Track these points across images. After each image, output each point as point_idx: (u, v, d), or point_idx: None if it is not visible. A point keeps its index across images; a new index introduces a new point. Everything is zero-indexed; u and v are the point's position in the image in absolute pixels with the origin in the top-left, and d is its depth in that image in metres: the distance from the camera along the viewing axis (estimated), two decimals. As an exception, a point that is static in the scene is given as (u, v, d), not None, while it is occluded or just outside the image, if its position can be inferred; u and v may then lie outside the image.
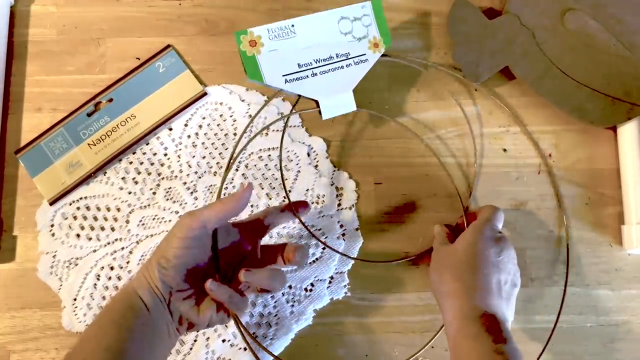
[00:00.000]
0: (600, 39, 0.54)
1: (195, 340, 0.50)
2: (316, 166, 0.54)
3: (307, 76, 0.48)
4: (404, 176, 0.54)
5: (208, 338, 0.50)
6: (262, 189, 0.54)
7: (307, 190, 0.54)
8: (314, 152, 0.55)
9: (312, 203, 0.53)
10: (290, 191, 0.54)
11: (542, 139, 0.55)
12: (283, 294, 0.52)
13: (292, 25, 0.47)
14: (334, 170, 0.54)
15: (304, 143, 0.55)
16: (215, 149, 0.54)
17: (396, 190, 0.54)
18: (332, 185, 0.54)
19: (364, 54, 0.50)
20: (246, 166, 0.54)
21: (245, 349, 0.50)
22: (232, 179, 0.54)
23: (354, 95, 0.50)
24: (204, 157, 0.54)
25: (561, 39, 0.54)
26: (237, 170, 0.54)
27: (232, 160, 0.49)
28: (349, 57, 0.49)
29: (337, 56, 0.49)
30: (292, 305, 0.51)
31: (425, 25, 0.58)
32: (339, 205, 0.54)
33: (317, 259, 0.52)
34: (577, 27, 0.54)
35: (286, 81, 0.48)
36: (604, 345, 0.51)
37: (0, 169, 0.54)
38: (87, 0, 0.58)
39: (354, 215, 0.53)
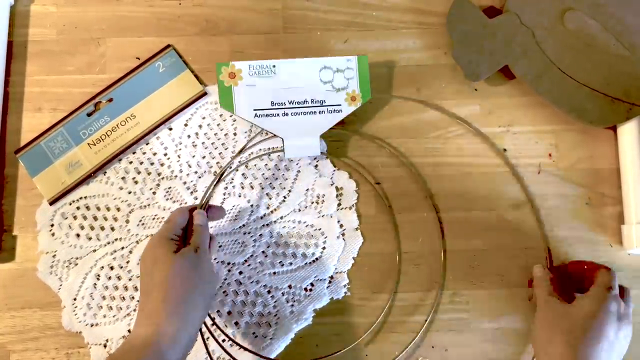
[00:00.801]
0: (600, 39, 0.54)
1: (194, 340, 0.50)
2: (316, 166, 0.54)
3: (278, 114, 0.50)
4: (404, 176, 0.54)
5: (208, 338, 0.50)
6: (262, 188, 0.54)
7: (307, 190, 0.54)
8: (314, 152, 0.55)
9: (312, 203, 0.53)
10: (290, 191, 0.54)
11: (542, 139, 0.55)
12: (283, 294, 0.52)
13: (274, 66, 0.50)
14: (334, 170, 0.54)
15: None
16: (215, 148, 0.54)
17: (396, 190, 0.54)
18: (332, 185, 0.54)
19: (339, 105, 0.51)
20: (246, 166, 0.54)
21: (245, 349, 0.50)
22: (232, 179, 0.54)
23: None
24: (204, 157, 0.54)
25: (561, 39, 0.54)
26: (237, 170, 0.54)
27: (220, 177, 0.51)
28: (324, 104, 0.51)
29: (312, 101, 0.50)
30: (292, 305, 0.51)
31: (425, 24, 0.58)
32: (339, 205, 0.54)
33: (317, 258, 0.52)
34: (576, 26, 0.54)
35: (256, 115, 0.50)
36: (604, 345, 0.51)
37: (0, 169, 0.54)
38: (87, 0, 0.58)
39: (354, 215, 0.53)
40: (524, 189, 0.54)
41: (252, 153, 0.54)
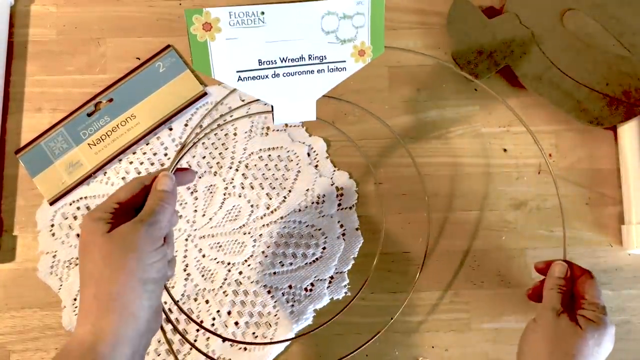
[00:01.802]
0: (600, 39, 0.54)
1: (195, 340, 0.50)
2: (316, 166, 0.54)
3: (267, 76, 0.39)
4: (404, 176, 0.54)
5: (208, 338, 0.50)
6: (263, 188, 0.54)
7: (307, 190, 0.54)
8: (314, 152, 0.55)
9: (312, 203, 0.53)
10: (290, 191, 0.54)
11: (542, 139, 0.55)
12: (283, 294, 0.52)
13: (262, 13, 0.37)
14: (334, 170, 0.54)
15: (304, 143, 0.55)
16: (215, 148, 0.54)
17: (396, 190, 0.54)
18: (332, 185, 0.54)
19: (344, 61, 0.41)
20: (246, 166, 0.54)
21: (245, 348, 0.50)
22: (232, 179, 0.54)
23: (355, 95, 0.50)
24: (204, 157, 0.54)
25: (561, 39, 0.54)
26: (237, 170, 0.54)
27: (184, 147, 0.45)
28: (324, 61, 0.40)
29: (309, 57, 0.40)
30: (292, 305, 0.51)
31: (425, 24, 0.58)
32: (339, 205, 0.54)
33: (317, 259, 0.52)
34: (576, 26, 0.54)
35: (239, 79, 0.39)
36: (604, 345, 0.51)
37: (0, 169, 0.54)
38: (87, 0, 0.58)
39: (354, 215, 0.53)
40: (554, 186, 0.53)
41: (232, 115, 0.51)
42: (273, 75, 0.39)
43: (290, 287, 0.52)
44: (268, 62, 0.39)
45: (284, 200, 0.53)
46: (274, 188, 0.54)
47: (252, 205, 0.53)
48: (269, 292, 0.52)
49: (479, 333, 0.51)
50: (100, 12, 0.57)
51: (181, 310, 0.49)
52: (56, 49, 0.57)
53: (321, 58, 0.40)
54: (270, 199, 0.53)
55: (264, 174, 0.54)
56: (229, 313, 0.51)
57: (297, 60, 0.40)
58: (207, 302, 0.51)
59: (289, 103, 0.41)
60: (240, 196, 0.53)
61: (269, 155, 0.54)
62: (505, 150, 0.55)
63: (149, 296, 0.35)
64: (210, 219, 0.53)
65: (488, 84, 0.56)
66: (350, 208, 0.54)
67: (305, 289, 0.52)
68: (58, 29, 0.57)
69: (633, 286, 0.53)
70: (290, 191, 0.54)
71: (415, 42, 0.57)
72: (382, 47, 0.41)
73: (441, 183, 0.54)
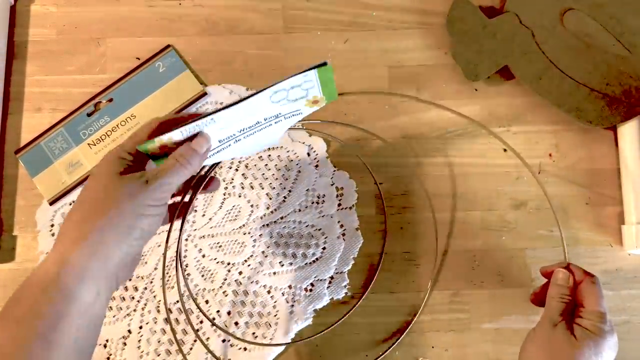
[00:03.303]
0: (600, 39, 0.54)
1: (195, 340, 0.50)
2: (316, 166, 0.54)
3: (229, 145, 0.40)
4: (404, 176, 0.54)
5: (208, 338, 0.50)
6: (262, 188, 0.54)
7: (307, 190, 0.54)
8: (314, 152, 0.55)
9: (312, 203, 0.53)
10: (290, 191, 0.54)
11: (542, 139, 0.55)
12: (283, 294, 0.51)
13: (212, 120, 0.37)
14: (334, 170, 0.54)
15: (304, 143, 0.55)
16: (215, 148, 0.54)
17: (396, 190, 0.54)
18: (332, 185, 0.54)
19: (298, 110, 0.40)
20: (246, 166, 0.54)
21: (245, 348, 0.50)
22: (232, 179, 0.54)
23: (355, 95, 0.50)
24: (204, 157, 0.54)
25: (561, 39, 0.54)
26: (237, 170, 0.54)
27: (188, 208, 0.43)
28: (279, 116, 0.40)
29: (265, 120, 0.40)
30: (292, 305, 0.51)
31: (425, 24, 0.58)
32: (339, 205, 0.54)
33: (317, 259, 0.52)
34: (576, 26, 0.54)
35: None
36: (604, 345, 0.51)
37: (0, 169, 0.54)
38: (87, 0, 0.58)
39: (354, 215, 0.53)
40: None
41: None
42: (235, 141, 0.40)
43: (290, 287, 0.52)
44: (227, 138, 0.39)
45: (284, 200, 0.53)
46: (274, 188, 0.54)
47: (252, 205, 0.53)
48: (268, 292, 0.52)
49: (479, 333, 0.51)
50: (100, 12, 0.57)
51: (199, 309, 0.49)
52: (56, 48, 0.57)
53: (277, 116, 0.40)
54: (270, 199, 0.53)
55: (263, 174, 0.54)
56: (228, 313, 0.51)
57: (254, 126, 0.40)
58: (207, 302, 0.51)
59: (256, 147, 0.43)
60: (240, 196, 0.53)
61: (269, 155, 0.54)
62: (505, 150, 0.55)
63: (130, 243, 0.33)
64: (210, 219, 0.53)
65: (488, 84, 0.56)
66: (350, 208, 0.54)
67: (305, 289, 0.52)
68: (58, 29, 0.57)
69: (633, 286, 0.52)
70: (290, 191, 0.54)
71: (415, 42, 0.57)
72: (335, 94, 0.40)
73: (441, 183, 0.54)
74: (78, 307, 0.31)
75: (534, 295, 0.45)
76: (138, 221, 0.33)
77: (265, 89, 0.36)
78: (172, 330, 0.48)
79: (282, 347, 0.50)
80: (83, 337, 0.32)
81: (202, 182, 0.43)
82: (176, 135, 0.36)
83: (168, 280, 0.51)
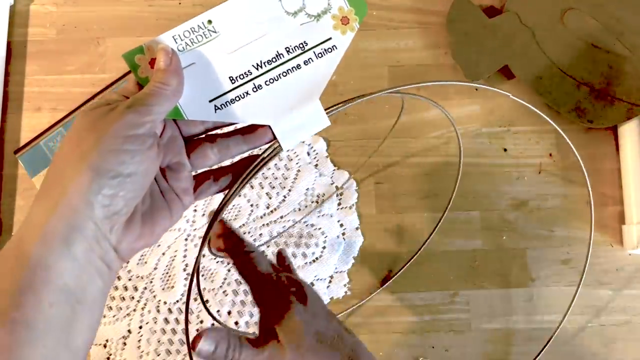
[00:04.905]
0: (600, 39, 0.54)
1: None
2: (316, 166, 0.54)
3: (248, 92, 0.31)
4: (404, 176, 0.54)
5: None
6: (262, 188, 0.53)
7: (307, 189, 0.54)
8: (314, 151, 0.55)
9: (312, 203, 0.53)
10: (290, 191, 0.54)
11: (543, 139, 0.55)
12: (283, 294, 0.51)
13: (209, 22, 0.31)
14: (334, 170, 0.54)
15: (304, 143, 0.55)
16: (215, 148, 0.54)
17: (396, 190, 0.54)
18: (332, 184, 0.54)
19: (330, 38, 0.33)
20: (246, 166, 0.54)
21: (245, 349, 0.50)
22: (232, 179, 0.54)
23: (355, 95, 0.50)
24: (203, 157, 0.54)
25: (561, 38, 0.54)
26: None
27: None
28: (306, 47, 0.32)
29: (287, 51, 0.32)
30: (292, 305, 0.51)
31: (425, 24, 0.58)
32: (339, 204, 0.53)
33: (317, 258, 0.52)
34: (577, 26, 0.54)
35: (217, 108, 0.31)
36: (604, 346, 0.51)
37: (-1, 169, 0.54)
38: (86, 0, 0.58)
39: (354, 214, 0.53)
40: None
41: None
42: (254, 89, 0.32)
43: (290, 287, 0.52)
44: (242, 76, 0.32)
45: (283, 200, 0.53)
46: (274, 188, 0.54)
47: (252, 205, 0.53)
48: (268, 292, 0.51)
49: (479, 333, 0.51)
50: (99, 12, 0.57)
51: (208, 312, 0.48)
52: (56, 48, 0.57)
53: (302, 46, 0.32)
54: (270, 198, 0.53)
55: (263, 173, 0.54)
56: (229, 313, 0.51)
57: (274, 60, 0.32)
58: (207, 302, 0.51)
59: (290, 115, 0.32)
60: (240, 196, 0.53)
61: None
62: (505, 150, 0.55)
63: (99, 190, 0.25)
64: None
65: (488, 84, 0.56)
66: (350, 208, 0.53)
67: (305, 289, 0.52)
68: (57, 29, 0.57)
69: (633, 286, 0.52)
70: (290, 191, 0.54)
71: (415, 42, 0.57)
72: (365, 4, 0.33)
73: (441, 183, 0.54)
74: (47, 276, 0.25)
75: None
76: (107, 163, 0.26)
77: None
78: (187, 321, 0.47)
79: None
80: (60, 316, 0.25)
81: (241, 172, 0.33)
82: (167, 38, 0.30)
83: (168, 281, 0.51)
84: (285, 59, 0.32)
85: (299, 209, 0.53)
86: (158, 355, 0.50)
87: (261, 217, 0.53)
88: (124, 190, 0.26)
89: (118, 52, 0.57)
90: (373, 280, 0.52)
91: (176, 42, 0.30)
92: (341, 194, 0.54)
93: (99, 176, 0.25)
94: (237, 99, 0.31)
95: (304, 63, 0.32)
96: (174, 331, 0.50)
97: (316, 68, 0.33)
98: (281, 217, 0.53)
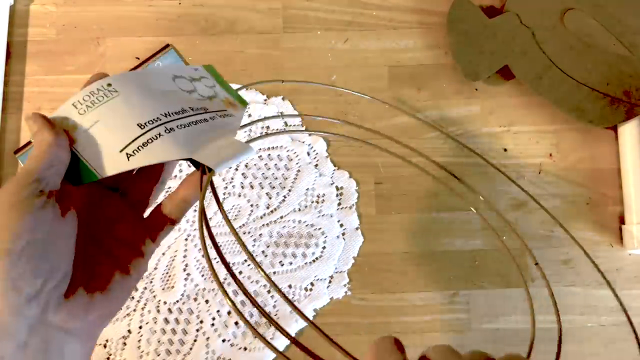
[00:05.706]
0: (600, 39, 0.54)
1: (195, 340, 0.50)
2: (316, 166, 0.54)
3: (160, 134, 0.29)
4: (404, 176, 0.54)
5: (208, 338, 0.50)
6: (262, 188, 0.53)
7: (307, 189, 0.54)
8: (314, 151, 0.55)
9: (312, 202, 0.53)
10: (290, 191, 0.54)
11: (543, 139, 0.55)
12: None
13: (109, 84, 0.30)
14: (334, 170, 0.54)
15: (304, 142, 0.55)
16: (215, 148, 0.54)
17: (396, 190, 0.54)
18: (332, 184, 0.54)
19: (225, 110, 0.33)
20: (246, 165, 0.54)
21: (245, 348, 0.50)
22: (232, 178, 0.54)
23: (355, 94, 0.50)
24: (203, 157, 0.54)
25: (561, 39, 0.54)
26: (236, 169, 0.54)
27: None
28: (209, 111, 0.32)
29: (192, 110, 0.31)
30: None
31: (425, 24, 0.58)
32: (339, 204, 0.53)
33: (317, 258, 0.52)
34: (577, 26, 0.54)
35: (129, 156, 0.28)
36: (604, 346, 0.51)
37: (-1, 169, 0.54)
38: (86, 0, 0.58)
39: (354, 214, 0.53)
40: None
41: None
42: (167, 131, 0.29)
43: (290, 286, 0.52)
44: (151, 122, 0.29)
45: (283, 200, 0.53)
46: (274, 188, 0.54)
47: (252, 205, 0.53)
48: (269, 291, 0.51)
49: (479, 333, 0.51)
50: (99, 12, 0.57)
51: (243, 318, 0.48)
52: (55, 48, 0.57)
53: (203, 109, 0.32)
54: (270, 198, 0.53)
55: (263, 173, 0.54)
56: (229, 313, 0.51)
57: (180, 112, 0.31)
58: (207, 302, 0.51)
59: (209, 145, 0.30)
60: (240, 196, 0.53)
61: (269, 154, 0.54)
62: (505, 150, 0.55)
63: (6, 275, 0.23)
64: (210, 218, 0.53)
65: (488, 84, 0.56)
66: (350, 208, 0.53)
67: (305, 289, 0.52)
68: (57, 29, 0.57)
69: (633, 286, 0.52)
70: (290, 191, 0.54)
71: (415, 42, 0.57)
72: (244, 100, 0.35)
73: (441, 183, 0.54)
74: None
75: None
76: (11, 228, 0.24)
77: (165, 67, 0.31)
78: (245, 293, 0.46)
79: (282, 347, 0.50)
80: None
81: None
82: (67, 108, 0.29)
83: (168, 281, 0.51)
84: (191, 114, 0.31)
85: (299, 209, 0.53)
86: (158, 355, 0.50)
87: (261, 217, 0.53)
88: (30, 264, 0.24)
89: (118, 52, 0.57)
90: (373, 280, 0.52)
91: (76, 108, 0.29)
92: (341, 194, 0.54)
93: (2, 260, 0.23)
94: (150, 141, 0.29)
95: (210, 118, 0.32)
96: (174, 331, 0.50)
97: (222, 122, 0.32)
98: (281, 217, 0.53)
